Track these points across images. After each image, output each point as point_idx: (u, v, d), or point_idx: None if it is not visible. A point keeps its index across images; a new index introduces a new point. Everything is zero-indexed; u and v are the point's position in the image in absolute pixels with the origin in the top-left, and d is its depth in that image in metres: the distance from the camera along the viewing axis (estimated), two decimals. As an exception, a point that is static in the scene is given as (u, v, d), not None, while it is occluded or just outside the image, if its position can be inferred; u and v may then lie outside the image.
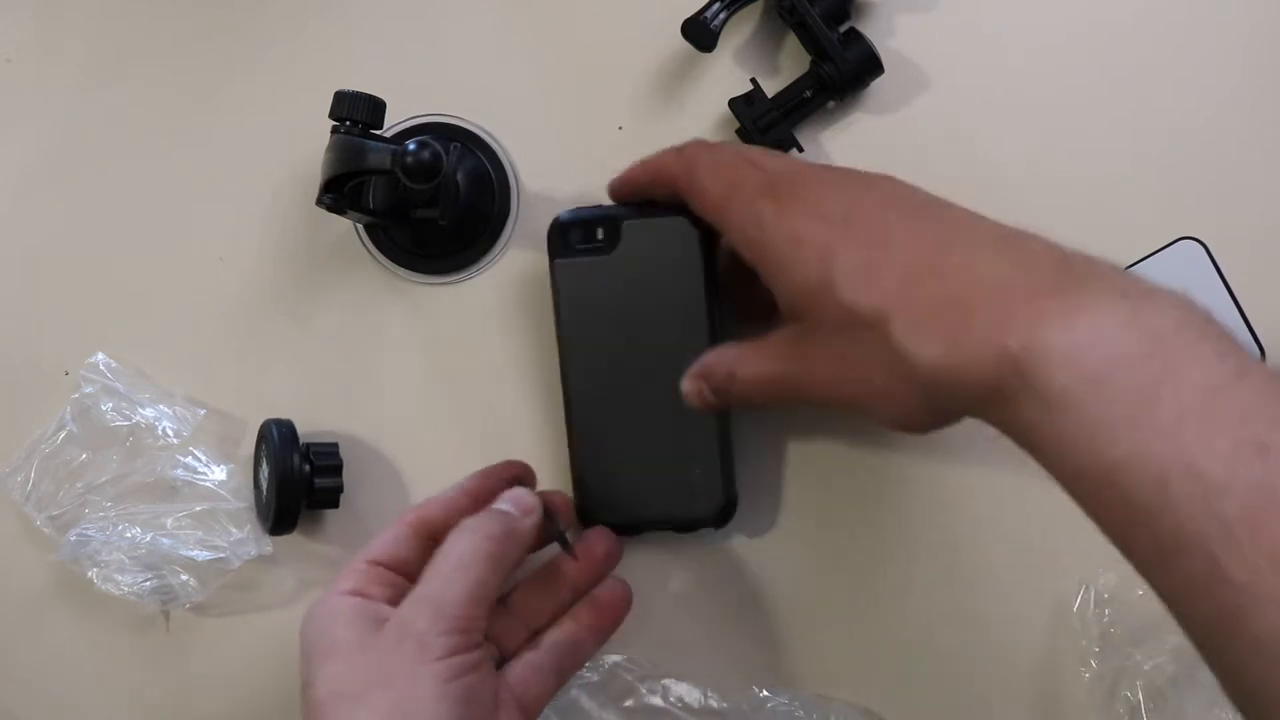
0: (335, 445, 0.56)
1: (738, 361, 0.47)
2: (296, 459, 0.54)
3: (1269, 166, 0.56)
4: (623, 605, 0.53)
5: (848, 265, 0.42)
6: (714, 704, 0.55)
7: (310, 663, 0.45)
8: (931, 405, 0.41)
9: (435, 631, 0.44)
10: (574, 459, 0.54)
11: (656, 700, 0.56)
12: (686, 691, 0.56)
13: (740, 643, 0.57)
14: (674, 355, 0.50)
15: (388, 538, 0.49)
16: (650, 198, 0.51)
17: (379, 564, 0.48)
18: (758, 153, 0.49)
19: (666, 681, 0.56)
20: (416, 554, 0.49)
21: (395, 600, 0.46)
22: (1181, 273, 0.56)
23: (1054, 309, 0.36)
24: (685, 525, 0.54)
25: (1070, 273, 0.38)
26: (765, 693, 0.55)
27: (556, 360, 0.54)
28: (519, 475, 0.53)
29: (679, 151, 0.50)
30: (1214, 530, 0.33)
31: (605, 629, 0.52)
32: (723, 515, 0.54)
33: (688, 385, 0.48)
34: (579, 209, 0.54)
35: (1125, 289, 0.37)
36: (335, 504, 0.56)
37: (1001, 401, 0.37)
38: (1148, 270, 0.56)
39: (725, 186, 0.47)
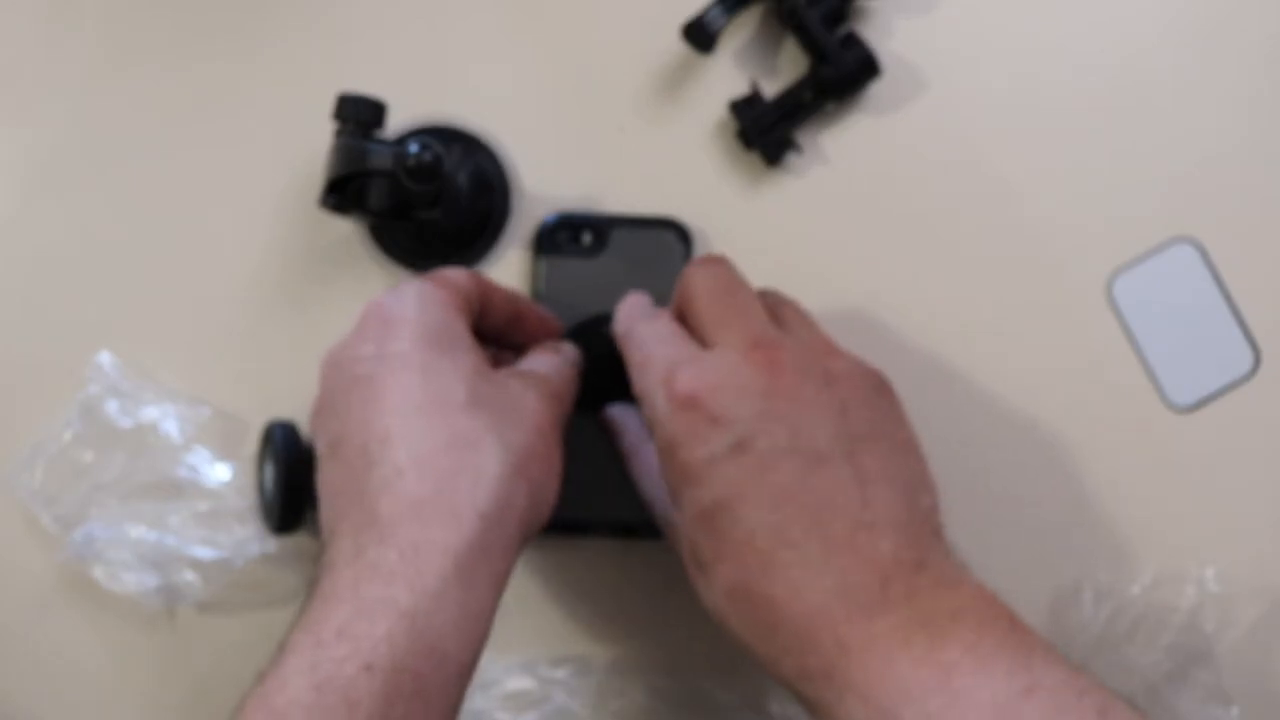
0: (338, 445, 0.56)
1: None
2: (300, 461, 0.54)
3: (1266, 167, 0.57)
4: None
5: (702, 503, 0.42)
6: (711, 697, 0.56)
7: (431, 348, 0.46)
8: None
9: (561, 414, 0.49)
10: None
11: (643, 698, 0.56)
12: (673, 685, 0.56)
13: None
14: None
15: (460, 299, 0.49)
16: None
17: (467, 300, 0.49)
18: (704, 303, 0.46)
19: (655, 677, 0.56)
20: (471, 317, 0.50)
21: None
22: (1175, 275, 0.56)
23: (857, 642, 0.39)
24: (648, 529, 0.51)
25: (887, 597, 0.39)
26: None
27: None
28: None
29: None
30: None
31: None
32: None
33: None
34: (569, 212, 0.55)
35: (930, 615, 0.39)
36: (339, 503, 0.56)
37: (796, 692, 0.41)
38: (1142, 273, 0.57)
39: (643, 357, 0.46)
